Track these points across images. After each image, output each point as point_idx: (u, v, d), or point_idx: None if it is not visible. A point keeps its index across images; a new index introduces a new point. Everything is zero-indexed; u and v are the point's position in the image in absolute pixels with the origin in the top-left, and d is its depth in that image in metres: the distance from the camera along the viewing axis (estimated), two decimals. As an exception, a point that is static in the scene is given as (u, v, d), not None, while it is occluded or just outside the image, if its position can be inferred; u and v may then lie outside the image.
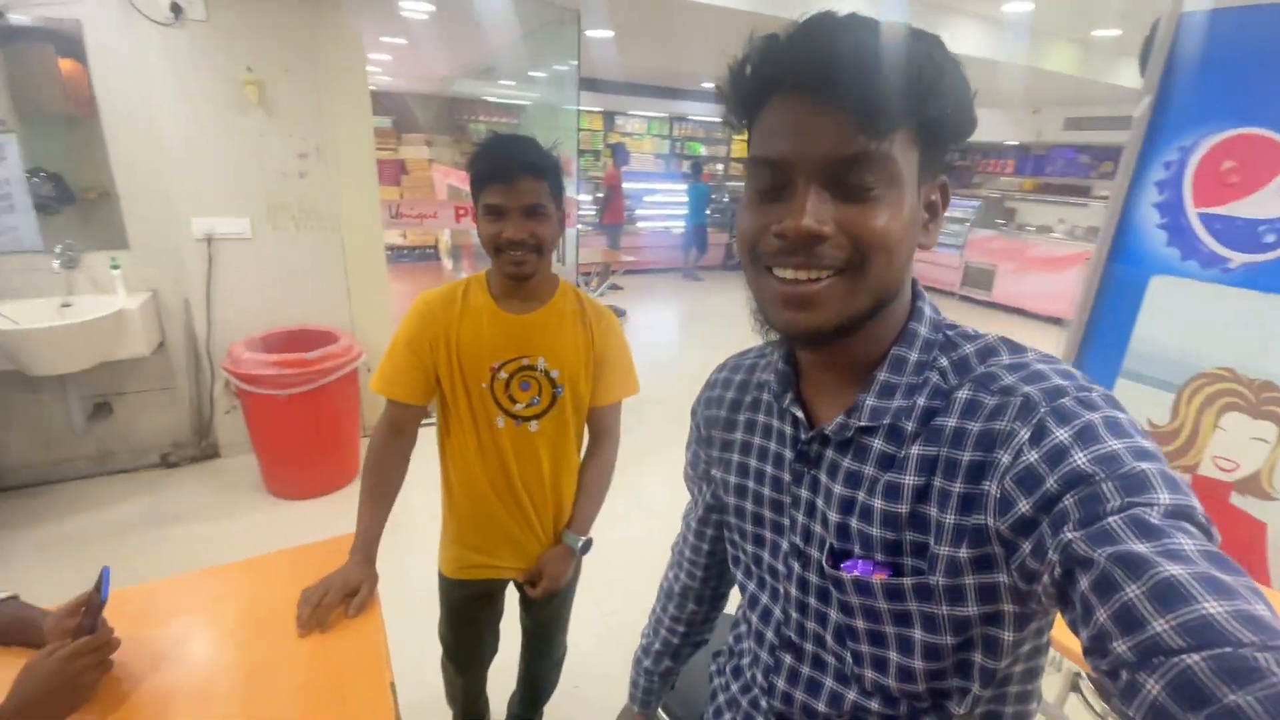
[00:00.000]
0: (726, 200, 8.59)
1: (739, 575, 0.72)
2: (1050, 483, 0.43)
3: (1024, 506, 0.44)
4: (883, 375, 0.55)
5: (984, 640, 0.52)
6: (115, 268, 2.64)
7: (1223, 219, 1.69)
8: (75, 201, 2.75)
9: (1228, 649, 0.33)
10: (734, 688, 0.72)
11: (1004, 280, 6.91)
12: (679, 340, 5.83)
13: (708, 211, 8.01)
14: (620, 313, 4.45)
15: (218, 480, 2.91)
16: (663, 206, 8.14)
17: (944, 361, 0.54)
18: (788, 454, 0.62)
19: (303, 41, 2.67)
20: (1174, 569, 0.36)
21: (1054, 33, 4.59)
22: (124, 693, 0.87)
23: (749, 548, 0.68)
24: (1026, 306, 6.71)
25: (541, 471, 1.24)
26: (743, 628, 0.73)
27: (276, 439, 2.71)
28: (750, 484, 0.67)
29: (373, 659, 0.95)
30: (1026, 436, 0.46)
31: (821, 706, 0.61)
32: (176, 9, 2.43)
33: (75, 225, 2.70)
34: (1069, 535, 0.40)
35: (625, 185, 7.54)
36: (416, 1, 3.44)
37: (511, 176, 1.05)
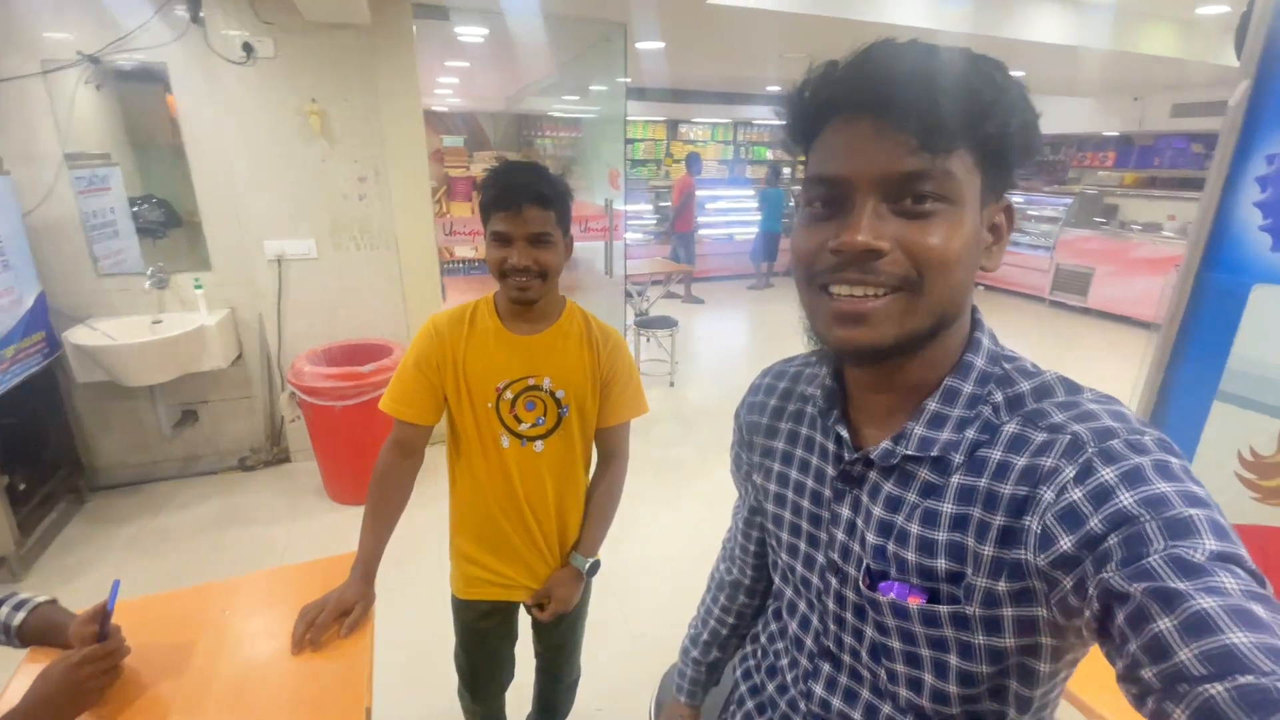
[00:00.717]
0: (792, 204, 8.39)
1: (776, 579, 0.74)
2: (1094, 522, 0.43)
3: (1066, 544, 0.44)
4: (934, 405, 0.54)
5: (1020, 669, 0.52)
6: (199, 287, 2.89)
7: (1332, 221, 1.46)
8: (182, 225, 3.04)
9: (1249, 678, 0.33)
10: (770, 687, 0.72)
11: (1102, 284, 6.32)
12: (735, 351, 5.73)
13: (784, 220, 7.80)
14: (672, 323, 4.41)
15: (286, 484, 3.12)
16: (725, 213, 8.02)
17: (998, 397, 0.53)
18: (830, 471, 0.62)
19: (362, 71, 2.83)
20: (1207, 602, 0.36)
21: (1152, 14, 4.18)
22: (128, 698, 0.94)
23: (784, 556, 0.69)
24: (1128, 313, 6.11)
25: (546, 491, 1.24)
26: (775, 627, 0.74)
27: (334, 447, 2.87)
28: (790, 494, 0.67)
29: (354, 682, 0.97)
30: (1072, 475, 0.45)
31: (857, 716, 0.61)
32: (249, 48, 2.63)
33: (175, 248, 2.97)
34: (1109, 573, 0.41)
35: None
36: (471, 27, 3.56)
37: (518, 205, 1.06)
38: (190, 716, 0.91)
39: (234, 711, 0.92)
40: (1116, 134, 7.54)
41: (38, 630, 1.01)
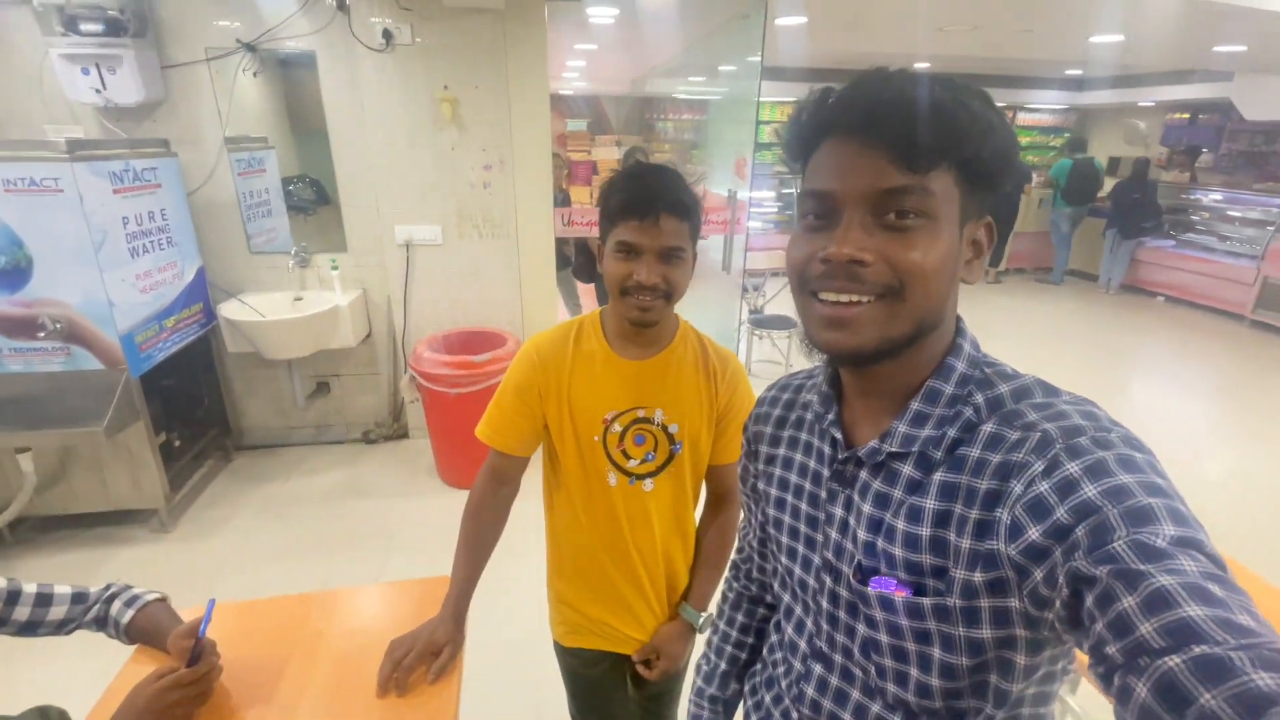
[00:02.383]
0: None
1: (776, 586, 0.75)
2: (1060, 512, 0.45)
3: (1034, 533, 0.47)
4: (916, 405, 0.57)
5: (998, 663, 0.54)
6: (335, 268, 3.02)
7: None
8: (330, 202, 3.21)
9: (1204, 647, 0.36)
10: (767, 698, 0.75)
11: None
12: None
13: None
14: (791, 324, 4.12)
15: (403, 460, 3.23)
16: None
17: (979, 398, 0.56)
18: (825, 472, 0.65)
19: (494, 58, 2.79)
20: (1167, 580, 0.39)
21: None
22: (216, 723, 0.90)
23: (784, 560, 0.71)
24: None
25: (654, 534, 1.12)
26: (775, 638, 0.76)
27: (447, 431, 2.92)
28: (789, 498, 0.69)
29: (436, 739, 0.88)
30: (1040, 469, 0.48)
31: (847, 717, 0.63)
32: (388, 35, 2.67)
33: (322, 227, 3.14)
34: (1077, 560, 0.43)
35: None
36: (603, 7, 3.44)
37: (654, 213, 0.93)
38: (271, 756, 0.86)
39: (314, 757, 0.86)
40: (1361, 120, 6.15)
41: (143, 630, 1.02)
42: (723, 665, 0.87)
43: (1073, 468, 0.46)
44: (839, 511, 0.63)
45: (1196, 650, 0.36)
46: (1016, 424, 0.52)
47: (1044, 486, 0.47)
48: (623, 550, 1.11)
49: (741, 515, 1.17)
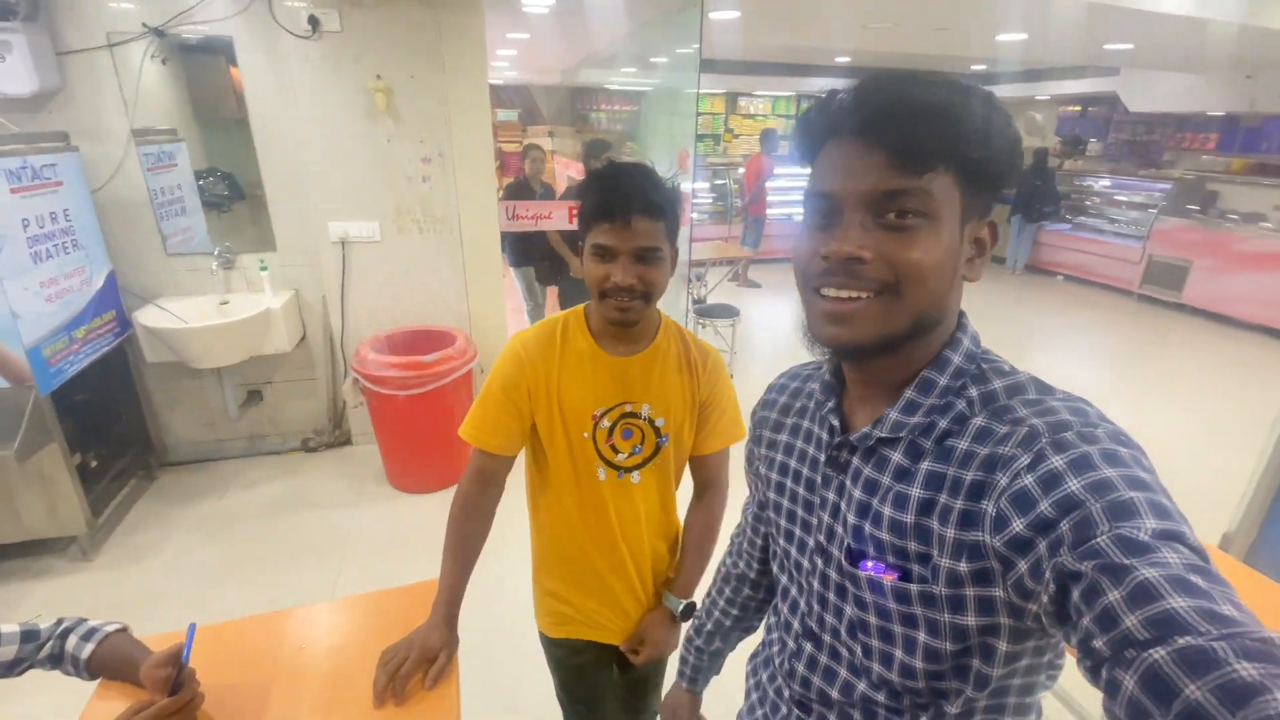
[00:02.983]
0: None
1: (775, 568, 0.78)
2: (1044, 505, 0.46)
3: (1018, 525, 0.48)
4: (909, 393, 0.59)
5: (981, 648, 0.55)
6: (264, 269, 2.85)
7: None
8: (245, 198, 3.01)
9: (1188, 639, 0.36)
10: (763, 675, 0.79)
11: (1200, 279, 5.79)
12: (794, 339, 5.47)
13: None
14: (734, 312, 4.22)
15: (348, 467, 3.10)
16: (784, 192, 7.65)
17: (973, 392, 0.57)
18: (821, 458, 0.67)
19: (430, 46, 2.70)
20: (1151, 573, 0.39)
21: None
22: (203, 753, 0.86)
23: (781, 542, 0.74)
24: (1228, 311, 5.59)
25: (639, 524, 1.14)
26: (773, 619, 0.79)
27: (397, 435, 2.82)
28: (788, 482, 0.72)
29: (443, 746, 0.87)
30: (1026, 462, 0.49)
31: (835, 694, 0.66)
32: (314, 22, 2.53)
33: (239, 225, 2.95)
34: (1062, 556, 0.44)
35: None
36: (538, -4, 3.39)
37: (626, 216, 0.94)
38: (268, 780, 0.83)
39: (315, 777, 0.83)
40: (1222, 114, 6.87)
41: (107, 664, 0.95)
42: (709, 625, 0.98)
43: (1057, 461, 0.47)
44: (831, 496, 0.65)
45: (1180, 642, 0.36)
46: (1005, 418, 0.53)
47: (1029, 480, 0.48)
48: (610, 542, 1.12)
49: (727, 497, 1.22)
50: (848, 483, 0.63)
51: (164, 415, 2.99)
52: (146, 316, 2.63)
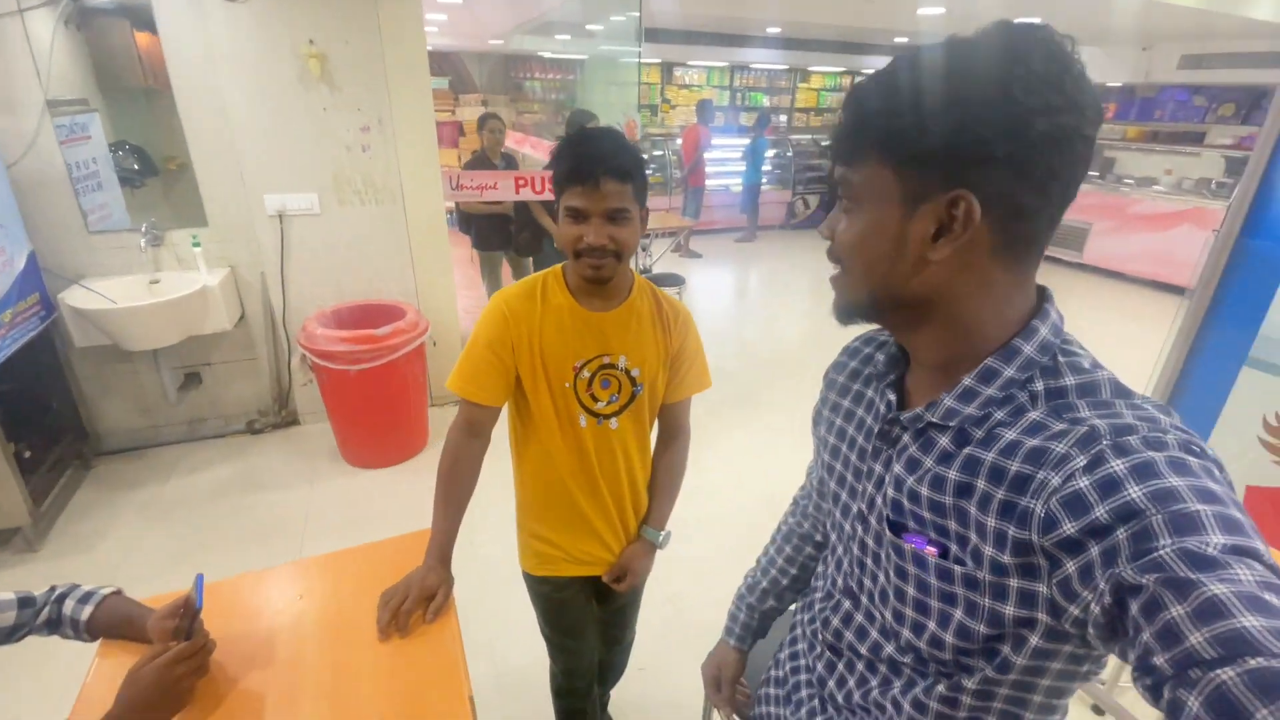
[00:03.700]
0: (790, 154, 8.17)
1: (826, 525, 0.80)
2: (1099, 511, 0.44)
3: (1069, 528, 0.46)
4: (968, 381, 0.58)
5: (1014, 638, 0.55)
6: (196, 245, 2.74)
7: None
8: (159, 173, 2.86)
9: (1259, 660, 0.34)
10: (804, 617, 0.83)
11: (1099, 240, 6.34)
12: (736, 307, 5.68)
13: (764, 169, 7.59)
14: (680, 280, 4.34)
15: (298, 447, 3.06)
16: (721, 163, 7.80)
17: (1039, 385, 0.55)
18: (876, 429, 0.68)
19: (363, 10, 2.62)
20: (1220, 589, 0.37)
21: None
22: (220, 694, 0.91)
23: (828, 504, 0.77)
24: (1124, 269, 6.16)
25: (618, 466, 1.24)
26: (821, 569, 0.83)
27: (350, 411, 2.81)
28: (843, 447, 0.73)
29: (450, 671, 0.95)
30: (1082, 464, 0.47)
31: (864, 650, 0.70)
32: (240, -17, 2.41)
33: (158, 200, 2.82)
34: (1120, 567, 0.42)
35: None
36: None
37: (595, 178, 1.00)
38: (289, 711, 0.89)
39: (333, 704, 0.90)
40: (1120, 85, 7.43)
41: (108, 624, 0.98)
42: (764, 583, 0.98)
43: (1118, 466, 0.45)
44: (878, 468, 0.66)
45: (1252, 663, 0.34)
46: (1065, 416, 0.51)
47: (1084, 482, 0.46)
48: (592, 483, 1.21)
49: (689, 443, 1.33)
50: (893, 457, 0.64)
51: (96, 402, 2.86)
52: (73, 298, 2.49)
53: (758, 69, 8.57)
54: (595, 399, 1.16)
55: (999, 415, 0.56)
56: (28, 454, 2.33)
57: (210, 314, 2.73)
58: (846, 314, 0.62)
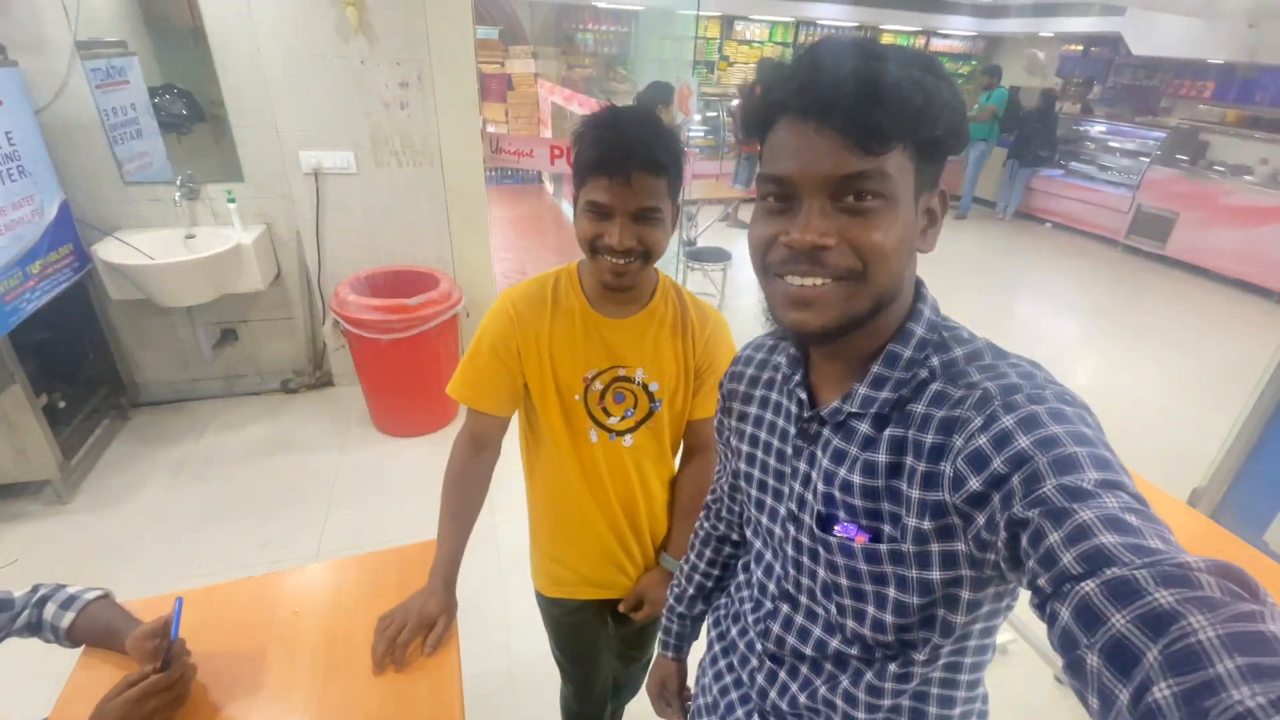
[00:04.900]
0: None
1: (748, 533, 0.80)
2: (996, 463, 0.49)
3: (974, 483, 0.50)
4: (877, 368, 0.60)
5: (946, 599, 0.58)
6: (231, 201, 2.68)
7: None
8: (206, 119, 2.79)
9: (1114, 570, 0.38)
10: (733, 631, 0.81)
11: (1185, 231, 5.79)
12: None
13: None
14: (726, 256, 4.13)
15: (331, 409, 3.04)
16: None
17: (934, 361, 0.59)
18: (791, 430, 0.68)
19: (404, -45, 2.46)
20: (1088, 515, 0.42)
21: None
22: (199, 724, 0.84)
23: (753, 510, 0.76)
24: (1210, 265, 5.63)
25: (632, 486, 1.12)
26: (742, 578, 0.82)
27: (381, 379, 2.75)
28: (758, 453, 0.73)
29: (446, 707, 0.86)
30: (979, 424, 0.51)
31: (808, 650, 0.69)
32: (277, -77, 2.27)
33: (208, 147, 2.75)
34: (1013, 506, 0.46)
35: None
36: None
37: (625, 172, 0.86)
38: (270, 751, 0.81)
39: (317, 747, 0.82)
40: (1220, 62, 6.70)
41: (89, 633, 0.91)
42: (690, 590, 0.97)
43: (1008, 421, 0.50)
44: (802, 466, 0.66)
45: (1108, 573, 0.38)
46: (961, 383, 0.56)
47: (983, 440, 0.50)
48: (606, 503, 1.11)
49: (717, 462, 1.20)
50: (818, 453, 0.64)
51: (134, 354, 2.87)
52: (107, 251, 2.46)
53: (825, 24, 8.03)
54: (608, 413, 1.04)
55: (905, 393, 0.58)
56: (62, 404, 2.35)
57: (245, 273, 2.68)
58: (839, 331, 0.57)
